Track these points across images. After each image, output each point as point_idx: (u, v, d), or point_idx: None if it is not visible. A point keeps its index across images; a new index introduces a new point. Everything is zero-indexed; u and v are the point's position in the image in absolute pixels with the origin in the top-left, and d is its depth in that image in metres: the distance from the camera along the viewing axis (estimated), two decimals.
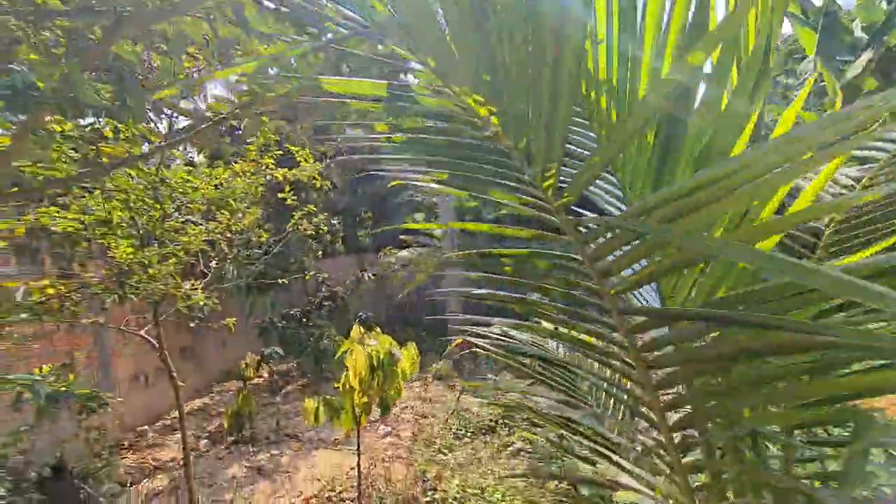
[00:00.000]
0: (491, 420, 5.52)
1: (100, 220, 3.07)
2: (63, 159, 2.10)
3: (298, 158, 2.85)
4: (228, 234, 3.59)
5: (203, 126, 2.37)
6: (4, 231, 2.47)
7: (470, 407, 6.09)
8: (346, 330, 9.70)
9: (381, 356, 2.90)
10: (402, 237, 12.68)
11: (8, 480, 3.38)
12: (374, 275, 9.56)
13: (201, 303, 2.75)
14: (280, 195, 3.80)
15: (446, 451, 4.88)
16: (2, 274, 3.88)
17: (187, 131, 2.68)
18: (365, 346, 3.21)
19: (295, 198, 3.69)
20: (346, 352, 3.48)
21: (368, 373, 2.85)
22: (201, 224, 3.24)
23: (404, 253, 11.78)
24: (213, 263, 3.62)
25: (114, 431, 5.42)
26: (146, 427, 5.90)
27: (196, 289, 2.94)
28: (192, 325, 3.70)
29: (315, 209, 3.79)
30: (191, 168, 3.00)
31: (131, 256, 2.40)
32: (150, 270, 2.52)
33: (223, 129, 9.75)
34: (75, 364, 4.87)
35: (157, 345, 2.94)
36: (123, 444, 5.39)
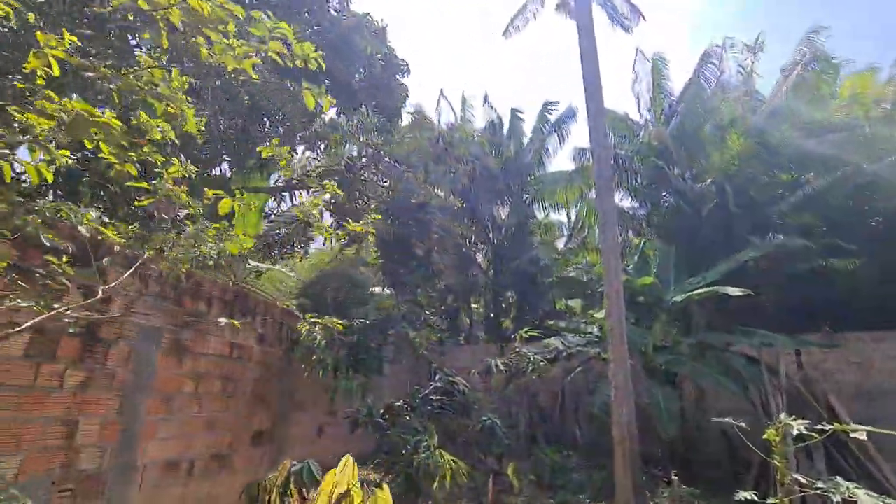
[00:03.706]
0: None
1: None
2: None
3: None
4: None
5: None
6: None
7: None
8: (463, 438, 7.14)
9: None
10: (549, 322, 10.09)
11: None
12: (505, 364, 7.12)
13: None
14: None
15: None
16: None
17: None
18: None
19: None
20: None
21: None
22: None
23: (553, 341, 9.08)
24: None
25: None
26: None
27: None
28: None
29: None
30: None
31: None
32: None
33: None
34: (76, 440, 3.62)
35: None
36: None
